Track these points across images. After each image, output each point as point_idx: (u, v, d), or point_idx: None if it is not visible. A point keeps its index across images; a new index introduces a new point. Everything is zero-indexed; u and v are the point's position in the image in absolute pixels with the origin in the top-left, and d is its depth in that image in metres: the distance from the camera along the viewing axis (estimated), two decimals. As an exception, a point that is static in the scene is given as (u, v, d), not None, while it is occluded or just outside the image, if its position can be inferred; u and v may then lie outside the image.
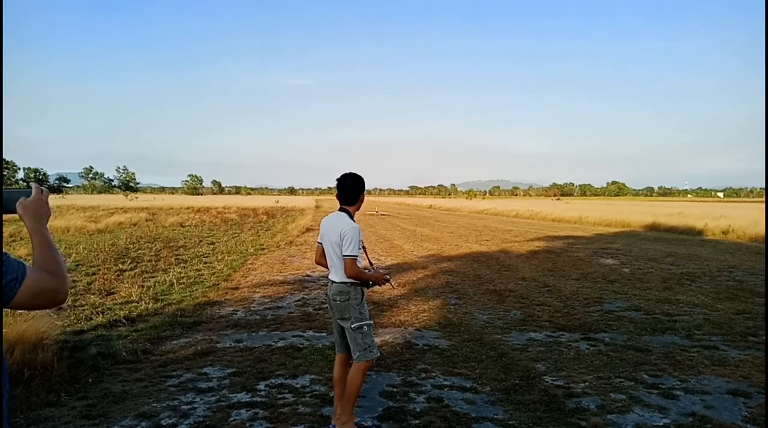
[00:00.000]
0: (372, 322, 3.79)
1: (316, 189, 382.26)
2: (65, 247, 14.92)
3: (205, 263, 12.36)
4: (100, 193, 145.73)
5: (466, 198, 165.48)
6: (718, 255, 14.66)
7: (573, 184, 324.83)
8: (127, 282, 9.47)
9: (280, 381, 4.77)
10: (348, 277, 3.65)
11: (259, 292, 9.00)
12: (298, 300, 8.36)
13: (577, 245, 17.28)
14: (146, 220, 27.92)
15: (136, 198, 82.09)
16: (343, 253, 3.60)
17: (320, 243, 3.87)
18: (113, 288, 9.08)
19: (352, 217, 3.73)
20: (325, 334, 6.36)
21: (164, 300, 8.22)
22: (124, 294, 8.47)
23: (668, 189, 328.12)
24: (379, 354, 3.81)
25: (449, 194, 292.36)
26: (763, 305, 8.02)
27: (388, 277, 3.84)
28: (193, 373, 5.00)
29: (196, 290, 9.03)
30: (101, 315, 7.11)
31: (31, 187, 1.62)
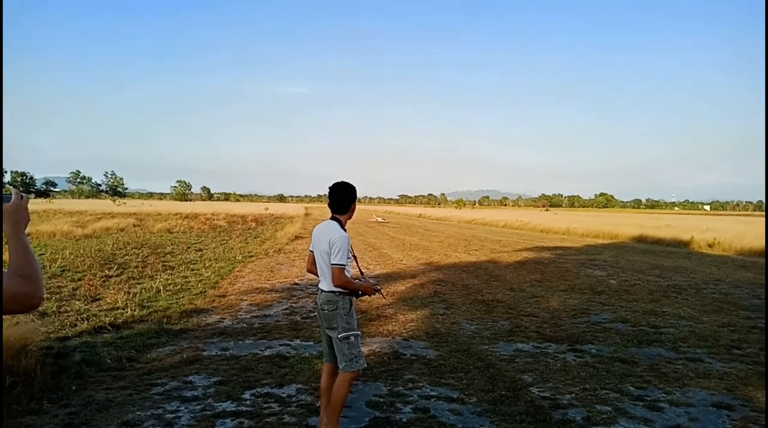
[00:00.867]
0: (359, 333, 3.77)
1: (306, 196, 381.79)
2: (51, 252, 14.77)
3: (193, 270, 12.28)
4: (87, 197, 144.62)
5: (456, 207, 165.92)
6: (703, 267, 14.78)
7: (562, 195, 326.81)
8: (113, 289, 9.38)
9: (266, 391, 4.74)
10: (336, 286, 3.64)
11: (246, 300, 8.96)
12: (286, 309, 8.33)
13: (565, 256, 17.37)
14: (134, 226, 27.72)
15: (124, 203, 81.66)
16: (331, 262, 3.60)
17: (312, 252, 3.90)
18: (99, 294, 9.00)
19: (342, 226, 3.73)
20: (312, 343, 6.33)
21: (150, 307, 8.15)
22: (109, 301, 8.39)
23: (656, 201, 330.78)
24: (365, 365, 3.78)
25: (439, 203, 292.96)
26: (747, 318, 8.10)
27: (378, 287, 3.82)
28: (179, 381, 4.95)
29: (182, 297, 8.96)
30: (86, 322, 7.03)
31: (11, 193, 1.61)
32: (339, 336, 3.65)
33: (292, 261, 14.69)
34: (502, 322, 7.64)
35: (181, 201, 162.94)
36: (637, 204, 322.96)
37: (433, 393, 4.76)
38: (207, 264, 13.17)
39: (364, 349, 5.76)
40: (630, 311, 8.51)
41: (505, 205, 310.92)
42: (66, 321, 7.09)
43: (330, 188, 3.80)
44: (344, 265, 3.59)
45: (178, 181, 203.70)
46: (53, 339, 6.23)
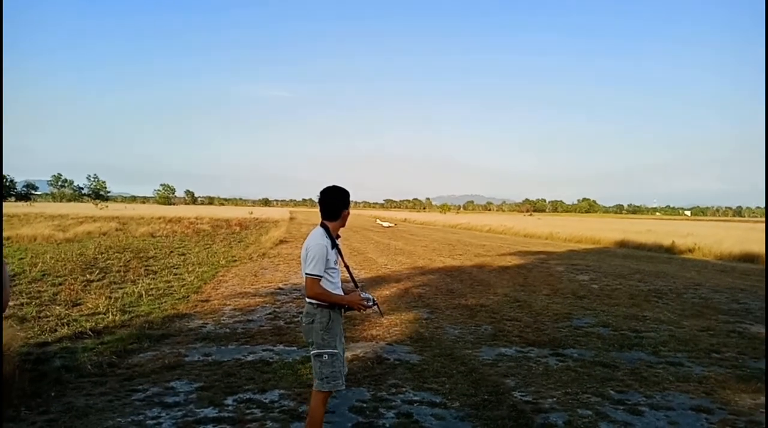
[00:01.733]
0: (337, 351, 3.45)
1: (291, 200, 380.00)
2: (31, 256, 14.57)
3: (176, 274, 12.18)
4: (69, 201, 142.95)
5: (441, 212, 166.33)
6: (684, 272, 14.99)
7: (545, 200, 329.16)
8: (95, 293, 9.28)
9: (248, 396, 4.72)
10: (309, 297, 3.45)
11: (229, 305, 8.90)
12: (269, 314, 8.29)
13: (548, 261, 17.50)
14: (116, 230, 27.47)
15: (107, 207, 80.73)
16: (304, 271, 3.40)
17: None
18: (80, 299, 8.89)
19: (329, 234, 3.49)
20: (296, 348, 6.31)
21: (132, 312, 8.07)
22: (90, 306, 8.30)
23: (638, 206, 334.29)
24: (342, 388, 3.50)
25: (424, 208, 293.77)
26: (726, 322, 8.22)
27: (370, 303, 3.52)
28: (160, 387, 4.91)
29: (165, 302, 8.89)
30: (66, 327, 6.95)
31: None
32: (312, 352, 3.47)
33: (276, 265, 14.64)
34: (485, 327, 7.68)
35: (165, 205, 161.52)
36: (619, 209, 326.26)
37: (416, 398, 4.76)
38: (190, 269, 13.07)
39: (348, 354, 5.75)
40: (611, 315, 8.59)
41: (490, 210, 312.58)
42: (46, 326, 7.01)
43: (320, 193, 3.56)
44: (317, 275, 3.35)
45: (161, 185, 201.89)
46: (32, 345, 6.14)
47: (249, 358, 5.90)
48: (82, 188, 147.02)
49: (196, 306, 8.76)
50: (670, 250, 23.02)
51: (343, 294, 3.55)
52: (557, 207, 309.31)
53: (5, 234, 21.12)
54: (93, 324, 7.17)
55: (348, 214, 3.62)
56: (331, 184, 3.60)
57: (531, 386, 5.15)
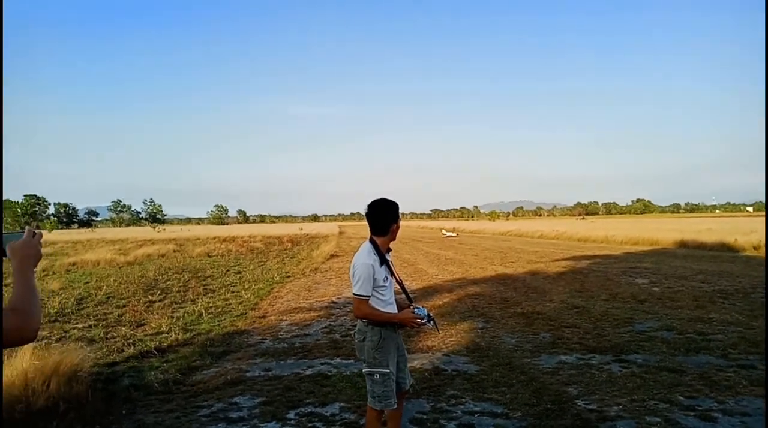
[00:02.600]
0: (389, 371, 3.35)
1: (339, 215, 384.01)
2: (96, 280, 15.22)
3: (233, 292, 12.48)
4: (128, 225, 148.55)
5: (490, 219, 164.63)
6: (750, 271, 14.32)
7: (597, 203, 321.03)
8: (157, 314, 9.61)
9: (310, 410, 4.78)
10: (357, 317, 3.40)
11: (286, 320, 9.05)
12: (325, 327, 8.38)
13: (605, 265, 17.05)
14: (174, 251, 28.36)
15: (164, 229, 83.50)
16: (352, 291, 3.32)
17: None
18: (143, 319, 9.22)
19: (377, 249, 3.38)
20: (352, 361, 6.35)
21: (193, 330, 8.32)
22: (154, 326, 8.59)
23: (696, 205, 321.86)
24: (394, 407, 3.42)
25: (472, 216, 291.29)
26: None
27: (424, 321, 3.38)
28: (224, 403, 5.04)
29: (224, 319, 9.12)
30: (132, 347, 7.22)
31: (24, 231, 1.71)
32: (364, 370, 3.43)
33: (328, 279, 14.80)
34: (543, 334, 7.54)
35: (219, 225, 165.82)
36: (676, 208, 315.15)
37: (476, 409, 4.72)
38: (246, 286, 13.37)
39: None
40: (675, 318, 8.29)
41: (540, 215, 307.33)
42: (113, 347, 7.30)
43: (367, 207, 3.42)
44: (363, 296, 3.27)
45: (215, 206, 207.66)
46: (102, 365, 6.41)
47: (308, 372, 5.98)
48: (140, 212, 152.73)
49: (254, 322, 8.95)
50: (732, 249, 22.06)
51: (395, 310, 3.46)
52: (611, 209, 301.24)
53: (71, 259, 22.12)
54: (157, 343, 7.42)
55: (398, 227, 3.48)
56: (378, 197, 3.46)
57: (595, 394, 5.02)
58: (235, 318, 9.18)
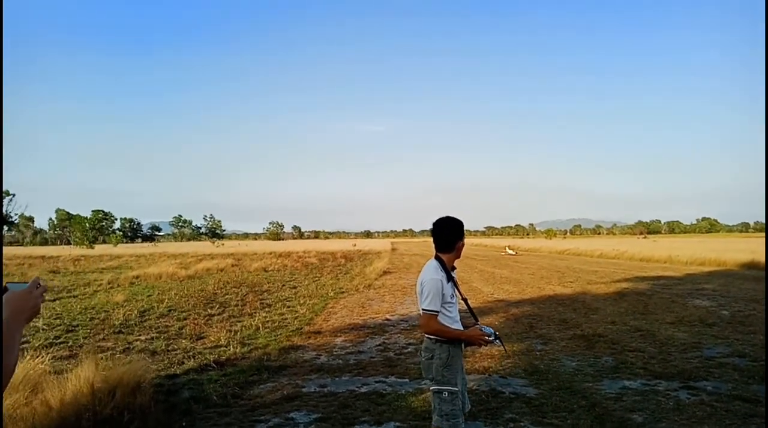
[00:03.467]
0: (458, 389, 3.34)
1: (392, 231, 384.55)
2: (158, 293, 15.74)
3: (288, 307, 12.65)
4: (189, 240, 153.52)
5: (546, 237, 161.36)
6: (831, 295, 13.42)
7: (660, 221, 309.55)
8: (216, 327, 9.83)
9: (365, 428, 4.76)
10: (426, 333, 3.40)
11: (340, 336, 9.09)
12: (379, 345, 8.36)
13: (669, 286, 16.35)
14: (232, 266, 29.04)
15: (222, 244, 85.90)
16: (420, 307, 3.34)
17: None
18: (203, 332, 9.45)
19: (444, 267, 3.38)
20: (407, 380, 6.30)
21: (251, 344, 8.46)
22: (213, 339, 8.79)
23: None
24: (462, 427, 3.34)
25: (528, 234, 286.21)
26: None
27: (491, 339, 3.37)
28: (281, 418, 5.08)
29: (280, 334, 9.24)
30: (192, 360, 7.40)
31: (28, 282, 1.61)
32: (432, 388, 3.39)
33: (381, 296, 14.79)
34: (605, 358, 7.27)
35: (275, 240, 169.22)
36: (744, 227, 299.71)
37: (536, 434, 4.58)
38: (301, 301, 13.53)
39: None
40: (747, 344, 7.84)
41: (599, 234, 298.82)
42: (174, 359, 7.50)
43: (433, 224, 3.46)
44: (433, 311, 3.27)
45: (270, 222, 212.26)
46: (163, 377, 6.58)
47: (363, 390, 5.96)
48: (200, 227, 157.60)
49: (309, 337, 9.02)
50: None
51: (461, 328, 3.44)
52: (674, 228, 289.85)
53: (135, 272, 23.01)
54: (216, 356, 7.58)
55: (463, 245, 3.48)
56: (444, 216, 3.48)
57: (662, 422, 4.79)
58: (291, 333, 9.29)
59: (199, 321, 10.30)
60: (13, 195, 53.66)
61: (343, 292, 15.82)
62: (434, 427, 3.40)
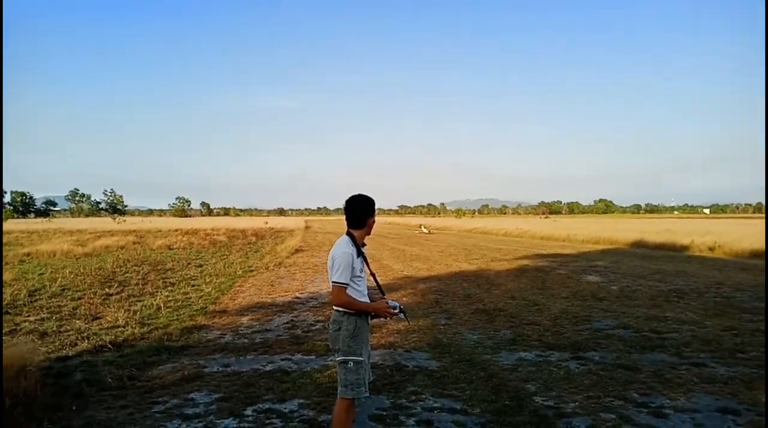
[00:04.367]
0: (362, 359, 3.45)
1: (306, 209, 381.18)
2: (51, 271, 14.77)
3: (193, 286, 12.26)
4: (87, 216, 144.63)
5: (456, 217, 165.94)
6: (705, 271, 14.77)
7: (561, 202, 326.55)
8: (114, 307, 9.36)
9: (268, 406, 4.71)
10: (335, 306, 3.48)
11: (247, 315, 8.93)
12: (287, 323, 8.30)
13: (566, 263, 17.35)
14: (134, 243, 27.74)
15: (124, 221, 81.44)
16: (331, 280, 3.42)
17: None
18: (99, 312, 8.98)
19: (354, 242, 3.49)
20: (314, 357, 6.30)
21: (151, 324, 8.13)
22: (110, 319, 8.37)
23: (655, 206, 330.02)
24: (366, 395, 3.50)
25: (438, 213, 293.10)
26: (750, 321, 8.07)
27: (396, 311, 3.52)
28: (180, 399, 4.92)
29: (183, 314, 8.94)
30: (86, 341, 7.02)
31: None
32: (337, 359, 3.48)
33: (292, 274, 14.68)
34: (504, 331, 7.62)
35: (181, 217, 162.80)
36: (636, 209, 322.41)
37: (436, 405, 4.72)
38: (207, 280, 13.15)
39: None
40: (632, 317, 8.48)
41: (505, 214, 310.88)
42: (66, 340, 7.08)
43: (346, 201, 3.57)
44: (342, 284, 3.36)
45: (177, 198, 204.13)
46: (53, 360, 6.20)
47: (268, 368, 5.90)
48: (100, 203, 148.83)
49: (214, 317, 8.80)
50: (689, 249, 22.72)
51: (369, 301, 3.54)
52: (573, 208, 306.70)
53: (26, 250, 21.45)
54: (113, 337, 7.22)
55: (373, 222, 3.62)
56: (356, 193, 3.60)
57: (552, 390, 5.08)
58: (195, 313, 9.01)
59: (95, 301, 9.76)
60: None
61: (252, 271, 15.53)
62: (339, 398, 3.47)
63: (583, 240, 30.38)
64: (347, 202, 3.57)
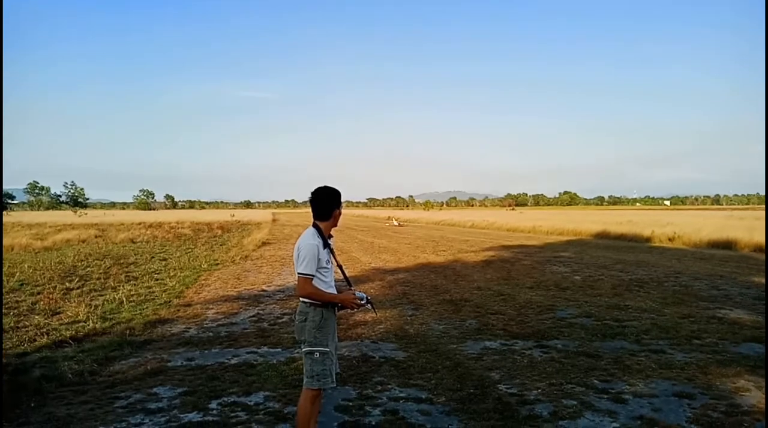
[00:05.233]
0: (328, 350, 3.45)
1: (273, 202, 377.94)
2: (9, 266, 14.31)
3: (157, 280, 12.05)
4: (47, 209, 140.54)
5: (424, 209, 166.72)
6: (664, 261, 15.18)
7: (527, 195, 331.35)
8: (74, 302, 9.14)
9: (233, 399, 4.67)
10: (301, 297, 3.48)
11: (212, 309, 8.82)
12: (253, 316, 8.23)
13: (531, 254, 17.61)
14: (95, 237, 27.10)
15: (86, 214, 79.43)
16: (296, 271, 3.41)
17: None
18: (59, 307, 8.75)
19: (321, 233, 3.49)
20: (280, 350, 6.27)
21: (113, 319, 7.97)
22: (70, 314, 8.17)
23: (618, 198, 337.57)
24: (333, 385, 3.49)
25: (407, 205, 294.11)
26: (706, 309, 8.33)
27: (362, 302, 3.52)
28: (143, 394, 4.85)
29: (146, 308, 8.78)
30: (46, 336, 6.84)
31: None
32: (303, 349, 3.47)
33: (259, 267, 14.55)
34: (470, 321, 7.70)
35: (145, 210, 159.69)
36: (600, 201, 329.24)
37: (402, 395, 4.76)
38: (171, 274, 12.94)
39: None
40: (594, 306, 8.67)
41: (472, 206, 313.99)
42: (24, 336, 6.89)
43: (311, 193, 3.56)
44: (308, 275, 3.36)
45: (141, 190, 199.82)
46: (11, 356, 6.03)
47: (233, 361, 5.84)
48: (60, 196, 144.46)
49: (178, 311, 8.67)
50: (650, 240, 23.31)
51: (336, 292, 3.55)
52: (539, 200, 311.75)
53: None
54: (73, 332, 7.05)
55: (340, 213, 3.62)
56: (322, 185, 3.60)
57: (516, 378, 5.17)
58: (159, 307, 8.86)
59: (55, 296, 9.51)
60: None
61: (217, 264, 15.34)
62: (305, 388, 3.47)
63: (548, 231, 30.88)
64: (312, 193, 3.57)
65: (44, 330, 7.21)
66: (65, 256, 17.23)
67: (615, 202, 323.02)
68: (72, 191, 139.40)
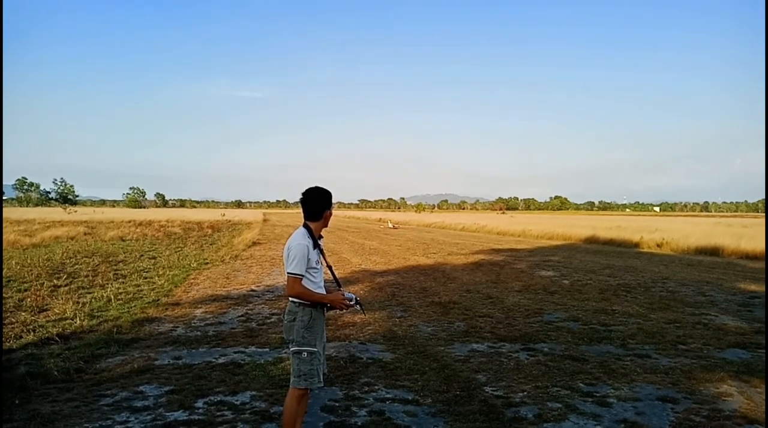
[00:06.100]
0: (316, 350, 3.47)
1: (265, 202, 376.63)
2: (-5, 263, 14.20)
3: (146, 278, 12.00)
4: (36, 205, 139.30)
5: (416, 211, 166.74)
6: (652, 266, 15.29)
7: (518, 199, 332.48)
8: (62, 299, 9.09)
9: (219, 398, 4.67)
10: (290, 296, 3.49)
11: (201, 308, 8.80)
12: (241, 316, 8.22)
13: (520, 257, 17.70)
14: (85, 234, 26.92)
15: (75, 211, 78.75)
16: (286, 270, 3.43)
17: None
18: (46, 304, 8.70)
19: (311, 234, 3.50)
20: (268, 350, 6.27)
21: (101, 316, 7.93)
22: (57, 311, 8.13)
23: (608, 203, 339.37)
24: (320, 385, 3.54)
25: (399, 207, 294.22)
26: (692, 314, 8.42)
27: (351, 303, 3.54)
28: (129, 392, 4.83)
29: (134, 306, 8.75)
30: (32, 333, 6.80)
31: None
32: (291, 349, 3.49)
33: (248, 267, 14.52)
34: (458, 323, 7.74)
35: (135, 208, 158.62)
36: (590, 206, 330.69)
37: (388, 396, 4.78)
38: (160, 272, 12.89)
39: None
40: (581, 310, 8.73)
41: (464, 209, 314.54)
42: (10, 333, 6.83)
43: (302, 194, 3.57)
44: (297, 275, 3.37)
45: (131, 188, 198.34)
46: (-4, 353, 5.99)
47: (220, 361, 5.84)
48: (49, 192, 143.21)
49: (166, 309, 8.64)
50: (639, 245, 23.48)
51: (325, 293, 3.57)
52: (530, 205, 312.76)
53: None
54: (60, 329, 7.02)
55: (330, 214, 3.63)
56: (313, 185, 3.61)
57: (502, 381, 5.20)
58: (147, 305, 8.83)
59: (42, 293, 9.45)
60: None
61: (207, 263, 15.29)
62: (292, 388, 3.49)
63: (538, 235, 31.02)
64: (304, 194, 3.58)
65: (31, 327, 7.17)
66: (53, 253, 17.11)
67: (605, 207, 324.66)
68: (62, 188, 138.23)
